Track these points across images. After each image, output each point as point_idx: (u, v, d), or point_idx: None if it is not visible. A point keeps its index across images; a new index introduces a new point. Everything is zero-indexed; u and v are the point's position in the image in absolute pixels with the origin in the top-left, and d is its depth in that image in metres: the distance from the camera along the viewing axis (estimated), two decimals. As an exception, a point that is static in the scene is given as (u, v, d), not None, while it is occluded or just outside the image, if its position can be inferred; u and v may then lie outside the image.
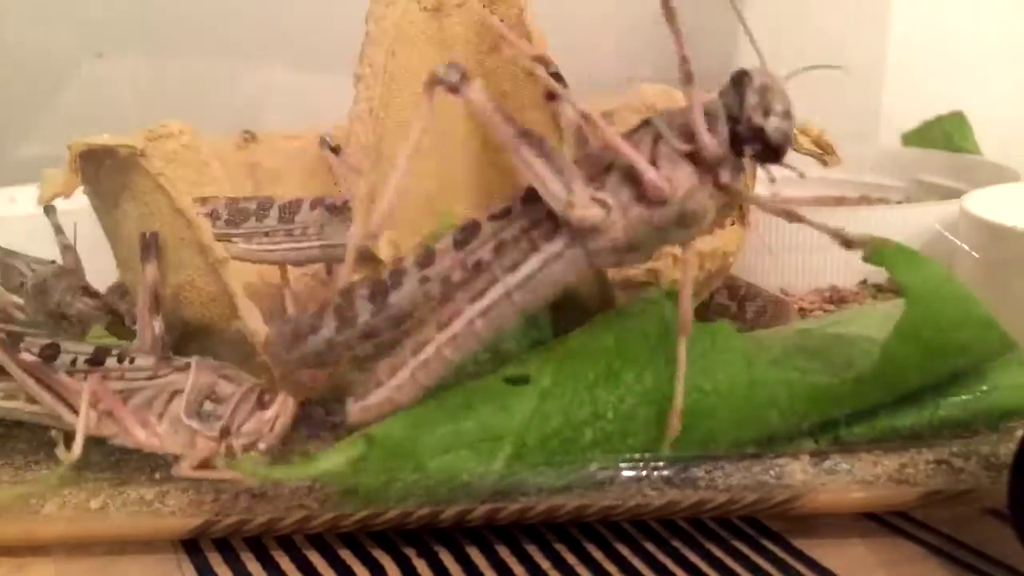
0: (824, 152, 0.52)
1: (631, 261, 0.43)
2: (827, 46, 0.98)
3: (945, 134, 0.87)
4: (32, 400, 0.46)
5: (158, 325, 0.48)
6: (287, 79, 0.98)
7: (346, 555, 0.42)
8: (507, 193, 0.52)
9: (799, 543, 0.42)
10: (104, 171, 0.49)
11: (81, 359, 0.46)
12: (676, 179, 0.39)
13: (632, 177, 0.40)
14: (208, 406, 0.43)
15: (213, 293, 0.49)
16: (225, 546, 0.43)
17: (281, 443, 0.44)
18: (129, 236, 0.50)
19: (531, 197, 0.41)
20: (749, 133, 0.39)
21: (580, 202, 0.39)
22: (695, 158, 0.39)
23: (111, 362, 0.46)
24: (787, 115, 0.39)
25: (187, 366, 0.45)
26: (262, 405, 0.43)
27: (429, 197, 0.52)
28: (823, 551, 0.41)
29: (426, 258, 0.42)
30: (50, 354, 0.46)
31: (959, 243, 0.62)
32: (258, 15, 0.97)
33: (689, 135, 0.39)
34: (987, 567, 0.40)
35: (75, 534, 0.43)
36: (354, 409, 0.41)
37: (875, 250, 0.41)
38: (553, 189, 0.40)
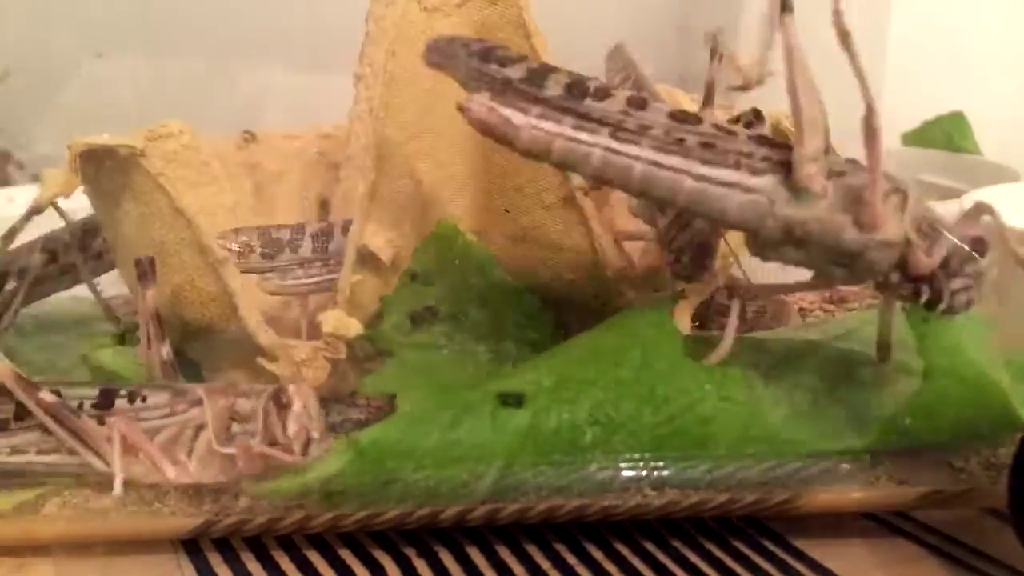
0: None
1: (786, 258, 0.43)
2: (827, 46, 0.98)
3: (945, 134, 0.87)
4: (44, 451, 0.44)
5: (166, 351, 0.47)
6: (287, 79, 0.98)
7: (346, 555, 0.42)
8: (506, 193, 0.53)
9: (799, 543, 0.42)
10: (104, 171, 0.49)
11: (87, 403, 0.44)
12: (888, 226, 0.40)
13: (860, 196, 0.40)
14: (236, 428, 0.43)
15: (213, 293, 0.49)
16: (225, 546, 0.43)
17: (326, 423, 0.44)
18: (129, 236, 0.50)
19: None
20: (948, 284, 0.41)
21: (817, 168, 0.40)
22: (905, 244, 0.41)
23: (121, 403, 0.44)
24: (969, 303, 0.41)
25: (200, 400, 0.43)
26: (284, 405, 0.43)
27: (429, 197, 0.52)
28: (823, 551, 0.41)
29: (639, 101, 0.42)
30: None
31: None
32: (258, 15, 0.97)
33: (922, 229, 0.42)
34: (987, 567, 0.40)
35: (75, 534, 0.43)
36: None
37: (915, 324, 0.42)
38: (810, 141, 0.40)
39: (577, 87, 0.42)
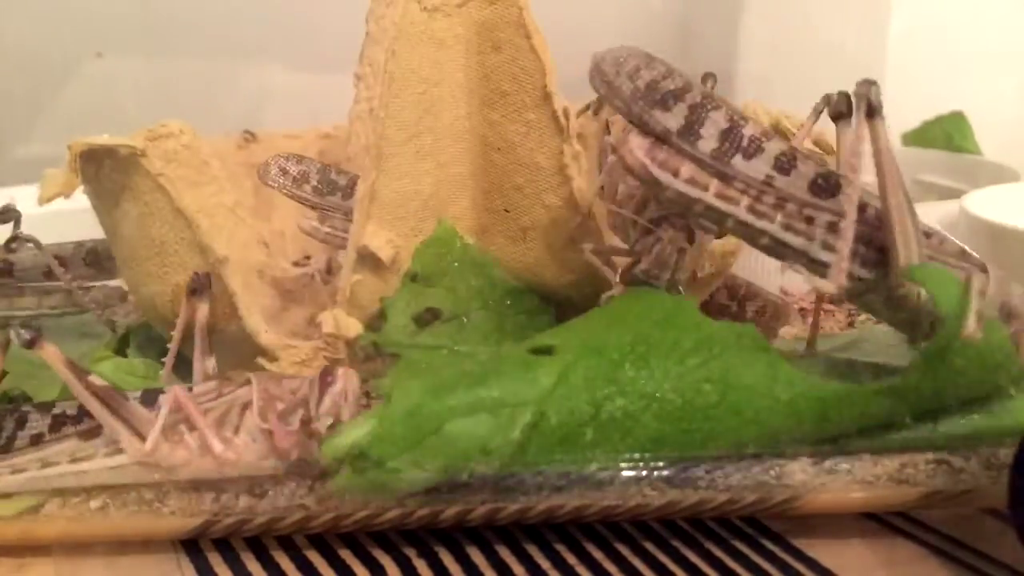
0: (824, 152, 0.52)
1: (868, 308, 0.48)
2: (827, 46, 0.98)
3: (945, 134, 0.87)
4: (78, 459, 0.44)
5: (211, 364, 0.48)
6: (287, 79, 0.98)
7: (346, 555, 0.42)
8: (506, 193, 0.53)
9: (799, 543, 0.42)
10: (104, 171, 0.49)
11: (132, 397, 0.44)
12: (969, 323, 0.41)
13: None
14: (280, 406, 0.43)
15: (213, 293, 0.49)
16: (225, 546, 0.43)
17: (360, 410, 0.44)
18: (129, 236, 0.50)
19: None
20: None
21: (840, 276, 0.43)
22: None
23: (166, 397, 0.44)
24: None
25: (248, 380, 0.44)
26: (328, 383, 0.43)
27: (429, 197, 0.53)
28: (823, 551, 0.41)
29: (786, 162, 0.44)
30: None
31: (959, 243, 0.62)
32: (258, 15, 0.97)
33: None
34: (987, 567, 0.40)
35: (75, 534, 0.43)
36: None
37: (911, 268, 0.43)
38: (903, 253, 0.43)
39: (732, 137, 0.44)
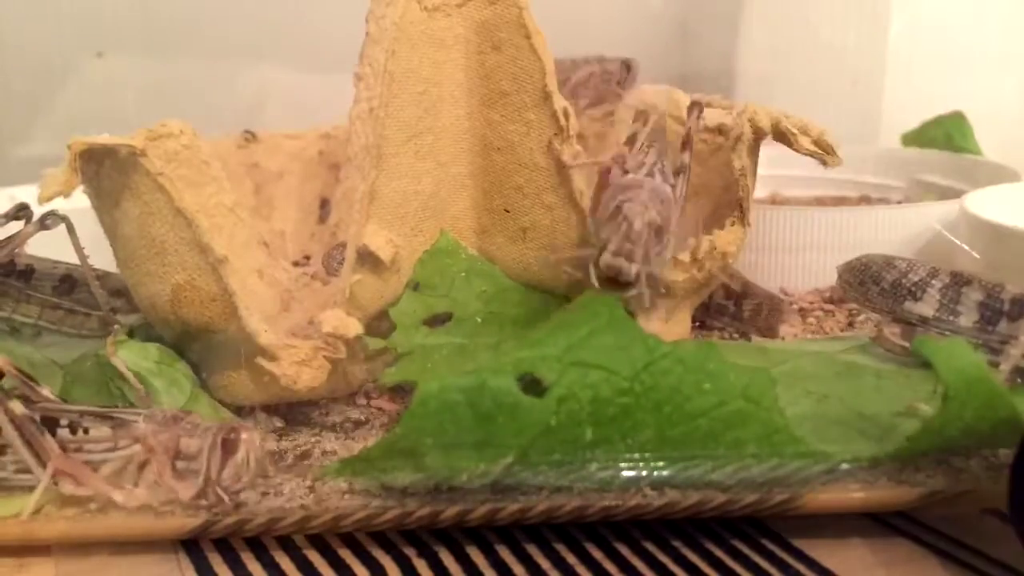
0: (825, 153, 0.52)
1: None
2: (827, 46, 0.98)
3: (945, 134, 0.87)
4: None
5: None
6: (287, 79, 0.98)
7: (346, 555, 0.42)
8: (505, 193, 0.53)
9: (799, 543, 0.42)
10: (104, 171, 0.49)
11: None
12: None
13: None
14: (181, 464, 0.42)
15: (213, 293, 0.49)
16: (225, 546, 0.43)
17: (263, 476, 0.44)
18: (129, 236, 0.50)
19: None
20: None
21: None
22: None
23: (63, 433, 0.44)
24: None
25: (141, 434, 0.43)
26: (229, 450, 0.42)
27: (429, 197, 0.52)
28: (823, 551, 0.41)
29: None
30: None
31: (959, 243, 0.62)
32: (258, 15, 0.97)
33: None
34: (987, 567, 0.40)
35: (75, 534, 0.43)
36: None
37: (919, 341, 0.44)
38: None
39: (990, 307, 0.48)
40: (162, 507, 0.43)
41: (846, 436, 0.44)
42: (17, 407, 0.44)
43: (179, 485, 0.42)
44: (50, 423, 0.44)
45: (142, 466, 0.43)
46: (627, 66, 0.48)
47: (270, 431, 0.51)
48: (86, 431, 0.44)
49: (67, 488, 0.43)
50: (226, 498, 0.42)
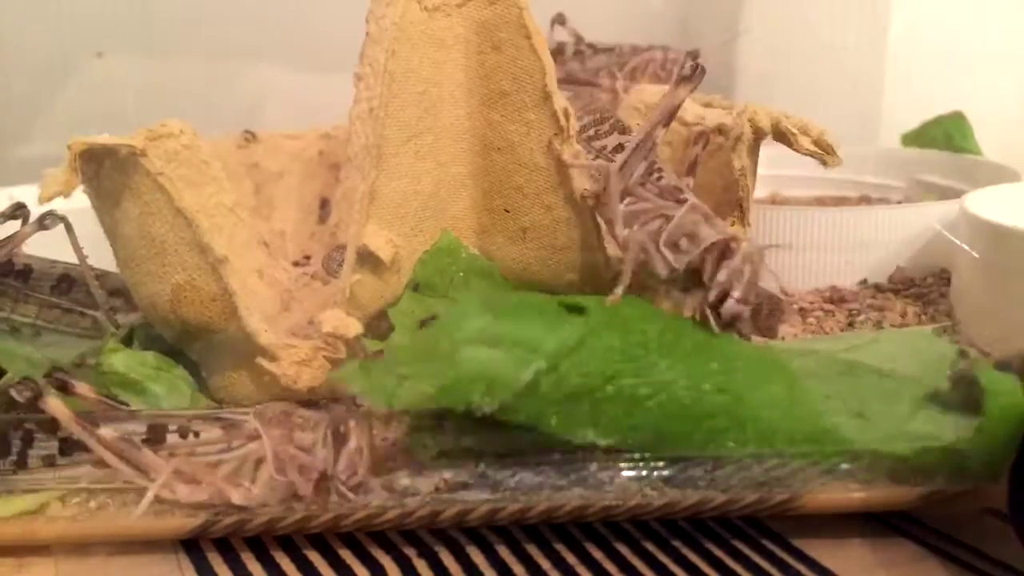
0: (825, 152, 0.52)
1: None
2: (827, 46, 0.98)
3: (945, 134, 0.87)
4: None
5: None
6: (287, 79, 0.98)
7: (346, 555, 0.42)
8: (505, 193, 0.53)
9: (799, 543, 0.42)
10: (104, 171, 0.49)
11: (137, 440, 0.44)
12: None
13: None
14: (296, 462, 0.42)
15: (213, 293, 0.49)
16: (225, 546, 0.43)
17: (375, 466, 0.43)
18: (129, 236, 0.50)
19: None
20: None
21: None
22: None
23: (173, 439, 0.44)
24: None
25: (256, 432, 0.43)
26: (341, 441, 0.42)
27: (429, 197, 0.52)
28: (823, 551, 0.41)
29: None
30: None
31: (959, 243, 0.62)
32: (258, 15, 0.97)
33: None
34: (987, 567, 0.40)
35: (75, 534, 0.43)
36: None
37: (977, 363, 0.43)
38: None
39: None
40: (173, 507, 0.43)
41: (849, 436, 0.43)
42: (107, 433, 0.43)
43: (300, 480, 0.42)
44: (159, 430, 0.44)
45: (258, 464, 0.43)
46: (693, 57, 0.48)
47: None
48: (196, 435, 0.44)
49: (181, 492, 0.42)
50: (347, 491, 0.41)
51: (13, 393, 0.43)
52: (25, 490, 0.44)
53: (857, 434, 0.43)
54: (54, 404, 0.43)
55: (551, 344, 0.42)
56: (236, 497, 0.42)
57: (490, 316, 0.42)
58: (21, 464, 0.44)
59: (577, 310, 0.44)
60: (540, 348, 0.41)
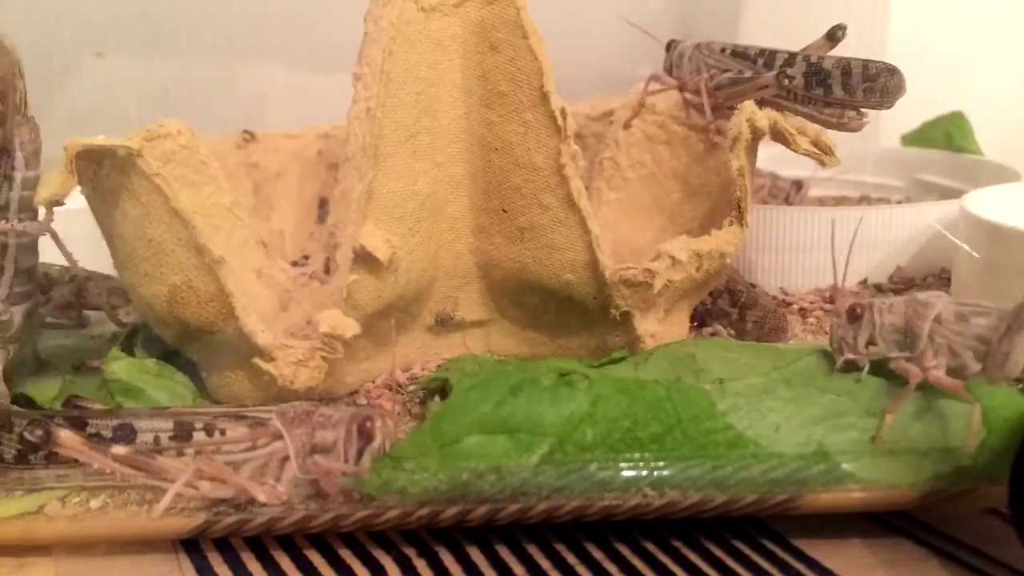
0: (823, 153, 0.52)
1: None
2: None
3: (945, 134, 0.87)
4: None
5: None
6: (287, 79, 0.98)
7: (346, 555, 0.42)
8: (503, 193, 0.53)
9: (799, 543, 0.42)
10: (103, 171, 0.48)
11: (164, 436, 0.44)
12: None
13: None
14: (319, 457, 0.42)
15: (211, 293, 0.49)
16: (225, 546, 0.43)
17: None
18: (127, 236, 0.50)
19: None
20: None
21: None
22: None
23: (200, 436, 0.44)
24: None
25: (280, 433, 0.43)
26: (365, 438, 0.42)
27: (427, 197, 0.52)
28: (823, 551, 0.41)
29: None
30: (124, 436, 0.44)
31: (959, 243, 0.62)
32: (258, 15, 0.97)
33: None
34: (987, 567, 0.40)
35: (75, 534, 0.43)
36: None
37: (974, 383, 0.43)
38: None
39: None
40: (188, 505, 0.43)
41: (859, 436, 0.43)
42: (119, 450, 0.43)
43: (327, 481, 0.42)
44: (185, 428, 0.44)
45: (283, 462, 0.43)
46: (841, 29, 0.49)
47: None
48: (223, 432, 0.44)
49: (205, 489, 0.42)
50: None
51: (26, 435, 0.43)
52: (25, 490, 0.44)
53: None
54: (64, 436, 0.43)
55: (553, 421, 0.42)
56: (262, 495, 0.42)
57: (491, 398, 0.43)
58: (21, 464, 0.44)
59: (576, 374, 0.44)
60: (542, 430, 0.42)
